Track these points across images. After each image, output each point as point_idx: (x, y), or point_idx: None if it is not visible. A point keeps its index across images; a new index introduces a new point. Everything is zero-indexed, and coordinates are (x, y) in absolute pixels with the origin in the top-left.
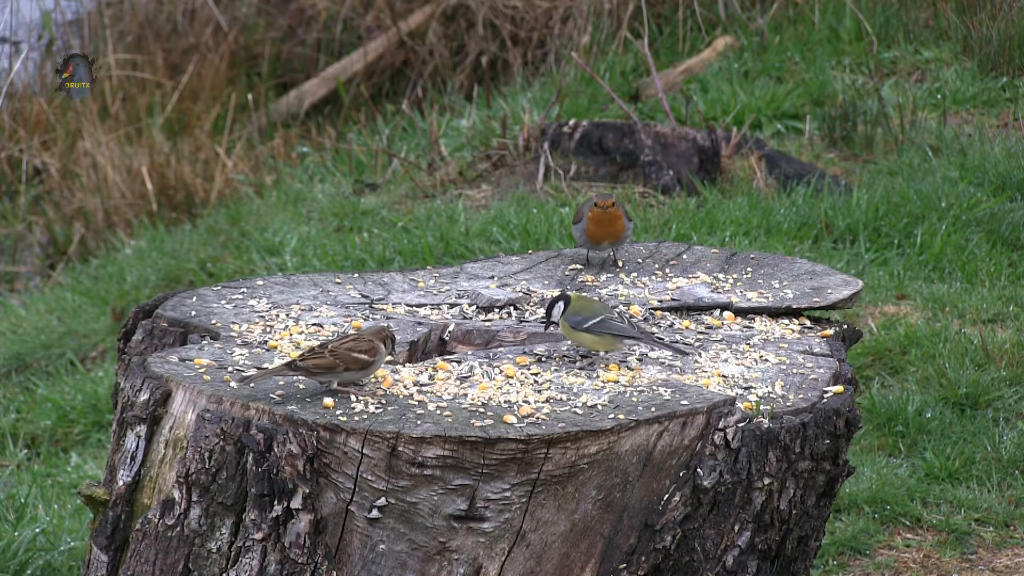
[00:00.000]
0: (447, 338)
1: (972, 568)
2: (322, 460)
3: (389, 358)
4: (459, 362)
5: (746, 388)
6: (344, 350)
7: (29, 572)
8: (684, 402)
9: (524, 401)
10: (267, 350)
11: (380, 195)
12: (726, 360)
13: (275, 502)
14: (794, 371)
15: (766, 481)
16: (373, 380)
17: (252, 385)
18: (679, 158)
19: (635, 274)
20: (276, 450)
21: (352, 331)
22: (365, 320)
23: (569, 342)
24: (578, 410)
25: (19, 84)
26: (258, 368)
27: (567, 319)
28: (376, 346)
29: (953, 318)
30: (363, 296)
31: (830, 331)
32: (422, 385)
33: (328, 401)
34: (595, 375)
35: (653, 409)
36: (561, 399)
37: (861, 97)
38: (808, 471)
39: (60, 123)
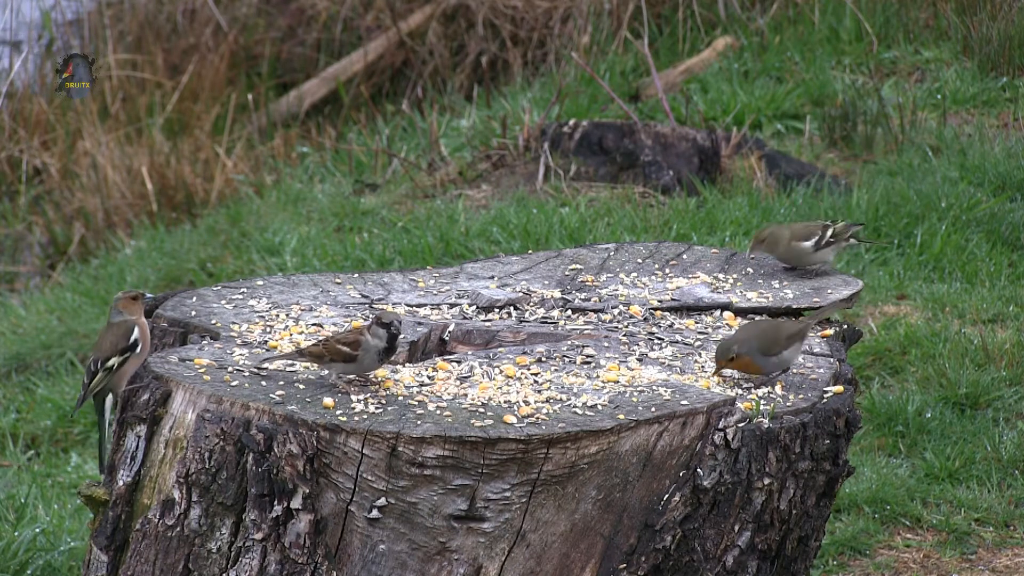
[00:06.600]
0: (447, 338)
1: (972, 568)
2: (322, 460)
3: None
4: (459, 362)
5: (746, 388)
6: (333, 342)
7: (29, 572)
8: (684, 402)
9: (524, 401)
10: (267, 350)
11: (380, 195)
12: None
13: (275, 502)
14: (794, 371)
15: (766, 481)
16: (374, 379)
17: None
18: (679, 158)
19: (635, 274)
20: (276, 450)
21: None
22: (365, 320)
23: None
24: (578, 410)
25: (19, 84)
26: (261, 360)
27: None
28: (361, 339)
29: (953, 318)
30: (363, 296)
31: (830, 331)
32: (422, 385)
33: (328, 401)
34: (595, 375)
35: (653, 409)
36: (561, 399)
37: (861, 97)
38: (808, 471)
39: (60, 123)
